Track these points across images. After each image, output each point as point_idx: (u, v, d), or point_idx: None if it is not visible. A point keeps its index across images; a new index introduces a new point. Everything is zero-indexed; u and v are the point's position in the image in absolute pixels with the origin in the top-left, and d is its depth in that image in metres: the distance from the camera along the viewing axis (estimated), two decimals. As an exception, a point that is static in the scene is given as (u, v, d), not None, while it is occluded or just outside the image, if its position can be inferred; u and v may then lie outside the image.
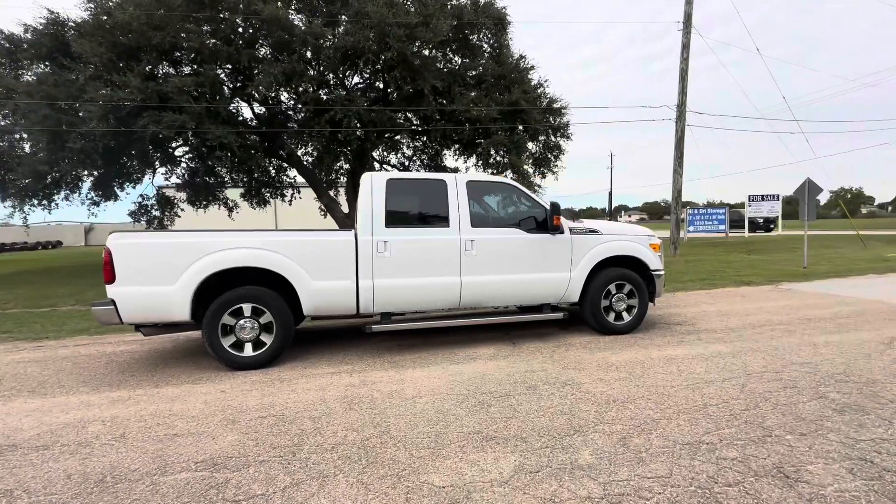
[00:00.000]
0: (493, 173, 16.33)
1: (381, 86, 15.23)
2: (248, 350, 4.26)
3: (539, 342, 5.03)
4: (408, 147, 18.26)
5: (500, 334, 5.40)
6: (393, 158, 20.06)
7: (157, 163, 16.20)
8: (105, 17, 11.81)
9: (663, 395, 3.45)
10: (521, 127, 15.02)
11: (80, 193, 13.26)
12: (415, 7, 13.38)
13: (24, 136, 11.90)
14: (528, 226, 4.94)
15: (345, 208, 17.23)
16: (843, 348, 4.51)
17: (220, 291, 4.24)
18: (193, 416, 3.27)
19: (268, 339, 4.30)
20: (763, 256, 15.13)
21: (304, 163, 16.69)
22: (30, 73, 12.22)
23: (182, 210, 18.18)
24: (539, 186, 16.38)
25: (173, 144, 14.55)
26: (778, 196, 21.97)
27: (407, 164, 20.34)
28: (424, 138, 17.07)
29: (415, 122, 15.87)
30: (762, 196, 22.32)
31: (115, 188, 16.06)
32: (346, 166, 17.91)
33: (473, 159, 16.51)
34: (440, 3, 13.67)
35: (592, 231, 5.21)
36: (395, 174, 4.94)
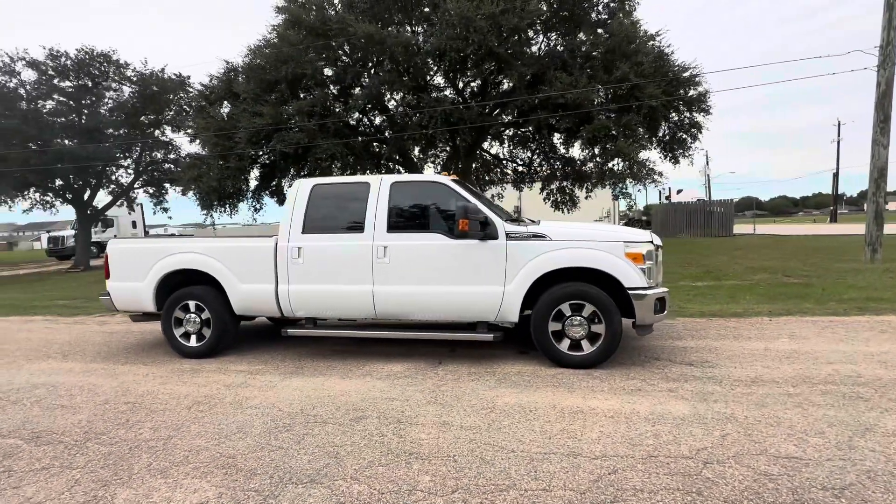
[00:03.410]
0: (599, 163, 14.35)
1: (479, 82, 15.00)
2: (193, 341, 4.90)
3: (465, 366, 4.33)
4: (509, 141, 17.57)
5: (444, 350, 4.84)
6: (520, 154, 19.59)
7: (316, 172, 19.50)
8: (256, 60, 14.80)
9: (472, 459, 2.62)
10: (633, 106, 12.75)
11: (245, 200, 16.94)
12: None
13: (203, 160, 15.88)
14: (455, 230, 4.26)
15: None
16: (912, 445, 2.58)
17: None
18: (95, 393, 3.98)
19: (208, 333, 4.86)
20: None
21: (417, 164, 17.67)
22: (213, 113, 16.17)
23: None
24: (660, 175, 13.66)
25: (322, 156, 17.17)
26: None
27: (531, 158, 19.61)
28: (529, 130, 16.09)
29: (510, 115, 15.07)
30: None
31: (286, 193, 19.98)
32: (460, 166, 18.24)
33: (579, 148, 14.81)
34: (536, -18, 12.65)
35: (538, 236, 4.19)
36: (323, 179, 4.91)
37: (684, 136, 14.45)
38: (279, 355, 4.91)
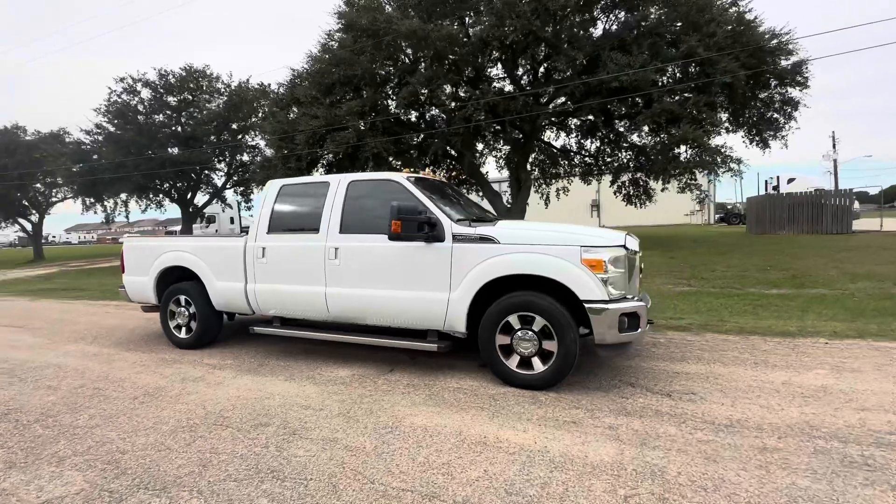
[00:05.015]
0: (666, 150, 12.71)
1: (530, 70, 14.19)
2: (183, 333, 5.26)
3: (411, 376, 4.05)
4: (576, 131, 16.36)
5: (405, 357, 4.60)
6: (587, 145, 18.36)
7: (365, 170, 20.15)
8: (315, 66, 15.62)
9: (323, 486, 2.39)
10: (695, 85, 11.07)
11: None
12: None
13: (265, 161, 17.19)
14: (404, 231, 3.97)
15: (504, 201, 17.05)
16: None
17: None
18: (82, 376, 4.43)
19: (195, 326, 5.18)
20: None
21: (474, 160, 17.34)
22: (280, 118, 17.42)
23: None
24: (738, 162, 11.70)
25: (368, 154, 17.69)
26: None
27: (599, 148, 18.31)
28: (590, 118, 14.85)
29: (571, 103, 14.00)
30: None
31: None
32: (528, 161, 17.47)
33: (644, 135, 13.29)
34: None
35: (485, 239, 3.74)
36: (291, 180, 4.92)
37: (775, 115, 12.25)
38: (253, 351, 5.07)
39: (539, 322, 3.55)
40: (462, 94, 13.71)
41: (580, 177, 20.50)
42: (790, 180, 27.40)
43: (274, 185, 4.88)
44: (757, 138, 12.67)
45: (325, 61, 14.77)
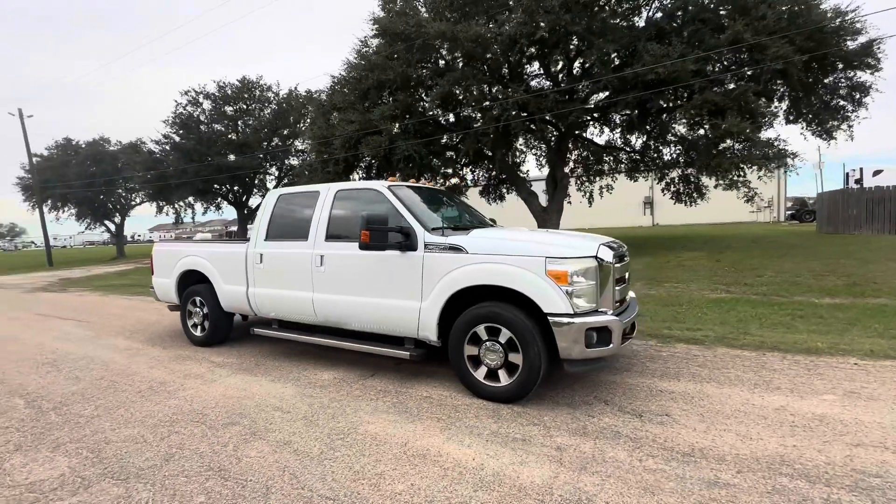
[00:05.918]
0: (713, 145, 11.76)
1: (558, 68, 13.73)
2: (198, 331, 5.69)
3: (387, 382, 4.11)
4: (621, 126, 15.60)
5: (388, 363, 4.67)
6: (633, 140, 17.56)
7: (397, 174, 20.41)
8: (351, 73, 16.14)
9: (256, 489, 2.51)
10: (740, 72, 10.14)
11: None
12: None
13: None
14: (373, 240, 4.02)
15: (543, 200, 16.65)
16: None
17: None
18: (106, 368, 4.93)
19: (207, 325, 5.58)
20: None
21: (506, 160, 17.11)
22: (320, 124, 18.15)
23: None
24: (794, 156, 10.57)
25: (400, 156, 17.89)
26: None
27: (646, 143, 17.43)
28: (629, 113, 14.10)
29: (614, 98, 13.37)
30: None
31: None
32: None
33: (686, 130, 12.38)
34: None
35: (454, 248, 3.70)
36: (288, 189, 5.13)
37: (841, 102, 10.95)
38: (256, 351, 5.38)
39: (505, 334, 3.47)
40: (494, 93, 13.56)
41: (626, 173, 19.57)
42: (876, 172, 24.35)
43: (272, 195, 5.14)
44: (819, 129, 11.40)
45: (360, 67, 15.21)
